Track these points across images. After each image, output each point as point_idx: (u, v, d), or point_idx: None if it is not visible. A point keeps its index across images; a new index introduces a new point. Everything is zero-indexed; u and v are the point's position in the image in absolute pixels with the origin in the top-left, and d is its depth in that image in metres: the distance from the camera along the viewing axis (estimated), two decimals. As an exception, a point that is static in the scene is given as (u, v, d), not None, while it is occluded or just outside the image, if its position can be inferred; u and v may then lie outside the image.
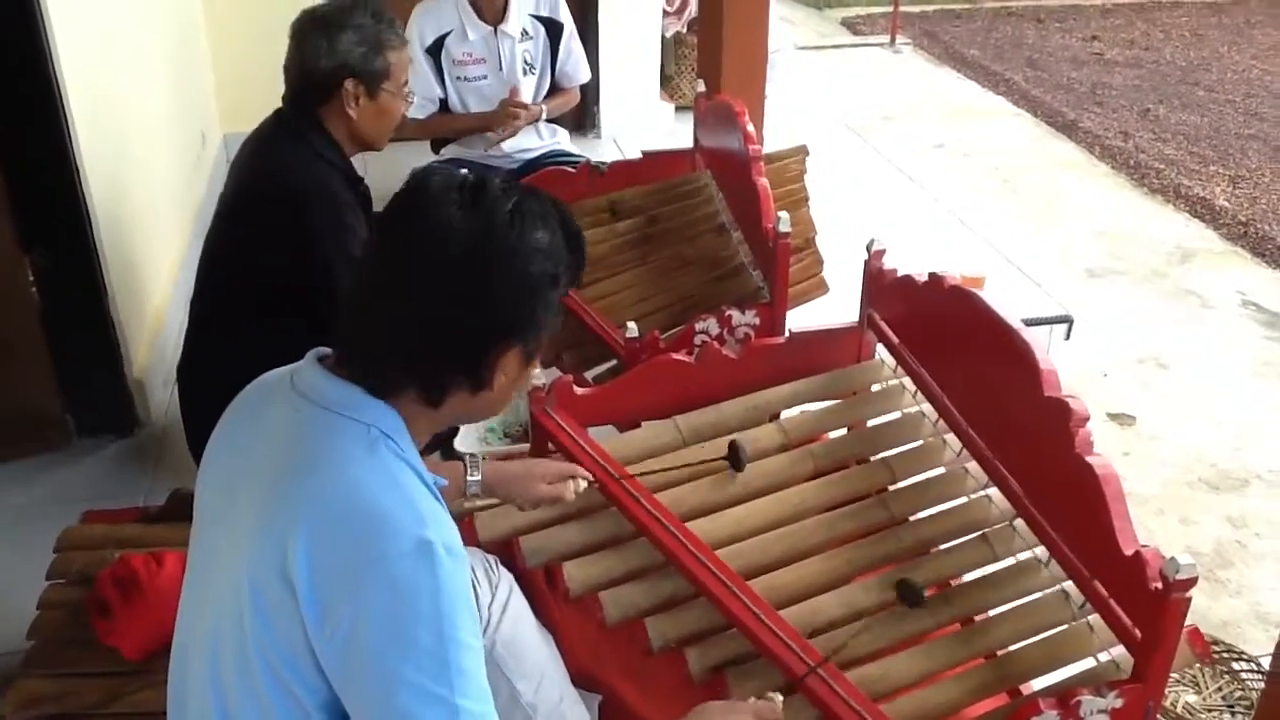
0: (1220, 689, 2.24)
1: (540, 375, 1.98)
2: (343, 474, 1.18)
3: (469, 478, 1.71)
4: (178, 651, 1.33)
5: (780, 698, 1.47)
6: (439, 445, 2.75)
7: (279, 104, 2.42)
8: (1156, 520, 2.86)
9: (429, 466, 1.29)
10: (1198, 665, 2.13)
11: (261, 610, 1.16)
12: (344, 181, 2.36)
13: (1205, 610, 2.53)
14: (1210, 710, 2.19)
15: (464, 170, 1.35)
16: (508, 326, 1.25)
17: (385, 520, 1.15)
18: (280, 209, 2.27)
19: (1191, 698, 2.21)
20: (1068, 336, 3.00)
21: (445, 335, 1.23)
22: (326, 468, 1.18)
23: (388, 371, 1.25)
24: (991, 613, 1.73)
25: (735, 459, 1.91)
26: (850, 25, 8.18)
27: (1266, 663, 2.23)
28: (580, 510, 1.89)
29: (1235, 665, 2.28)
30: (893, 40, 7.64)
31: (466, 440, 2.79)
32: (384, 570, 1.12)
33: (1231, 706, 2.20)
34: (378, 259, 1.27)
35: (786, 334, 2.24)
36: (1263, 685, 2.18)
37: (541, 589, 1.84)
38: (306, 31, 2.32)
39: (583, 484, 1.77)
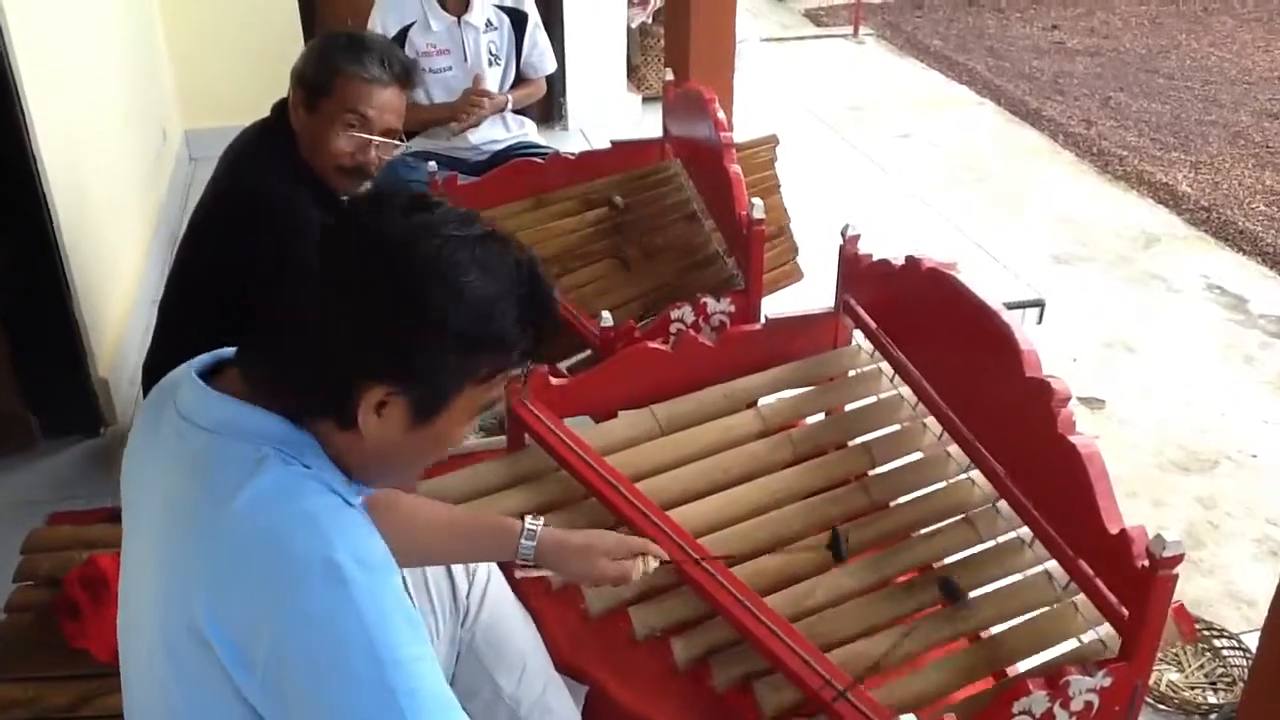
0: (1203, 666, 2.25)
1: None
2: (229, 509, 1.05)
3: (523, 541, 1.53)
4: (122, 664, 1.24)
5: None
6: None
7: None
8: (1129, 502, 2.86)
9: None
10: (1180, 643, 2.14)
11: (185, 676, 1.06)
12: (312, 199, 2.21)
13: (1179, 590, 2.51)
14: (1194, 688, 2.20)
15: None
16: (364, 361, 1.07)
17: (282, 548, 1.03)
18: (236, 222, 2.21)
19: (1175, 676, 2.22)
20: (1040, 320, 3.02)
21: (304, 341, 1.09)
22: (212, 506, 1.06)
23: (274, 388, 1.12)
24: (975, 594, 1.73)
25: (836, 548, 1.76)
26: (813, 17, 8.18)
27: (1248, 640, 2.25)
28: (558, 501, 1.87)
29: (1217, 643, 2.29)
30: (856, 31, 7.65)
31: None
32: (293, 604, 1.01)
33: (1214, 684, 2.22)
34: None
35: (762, 321, 2.23)
36: (1245, 663, 2.19)
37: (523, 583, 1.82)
38: None
39: (654, 563, 1.58)
